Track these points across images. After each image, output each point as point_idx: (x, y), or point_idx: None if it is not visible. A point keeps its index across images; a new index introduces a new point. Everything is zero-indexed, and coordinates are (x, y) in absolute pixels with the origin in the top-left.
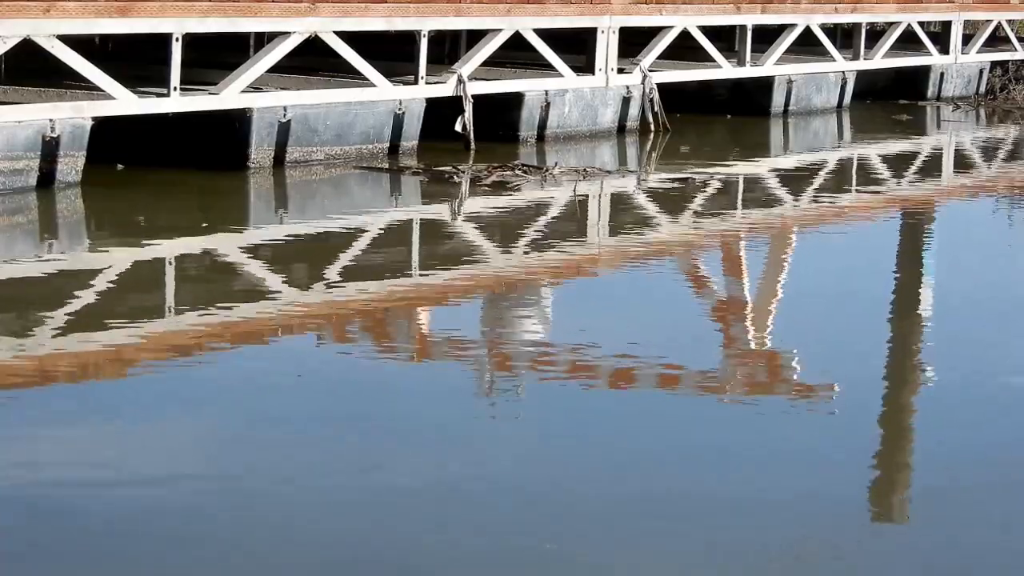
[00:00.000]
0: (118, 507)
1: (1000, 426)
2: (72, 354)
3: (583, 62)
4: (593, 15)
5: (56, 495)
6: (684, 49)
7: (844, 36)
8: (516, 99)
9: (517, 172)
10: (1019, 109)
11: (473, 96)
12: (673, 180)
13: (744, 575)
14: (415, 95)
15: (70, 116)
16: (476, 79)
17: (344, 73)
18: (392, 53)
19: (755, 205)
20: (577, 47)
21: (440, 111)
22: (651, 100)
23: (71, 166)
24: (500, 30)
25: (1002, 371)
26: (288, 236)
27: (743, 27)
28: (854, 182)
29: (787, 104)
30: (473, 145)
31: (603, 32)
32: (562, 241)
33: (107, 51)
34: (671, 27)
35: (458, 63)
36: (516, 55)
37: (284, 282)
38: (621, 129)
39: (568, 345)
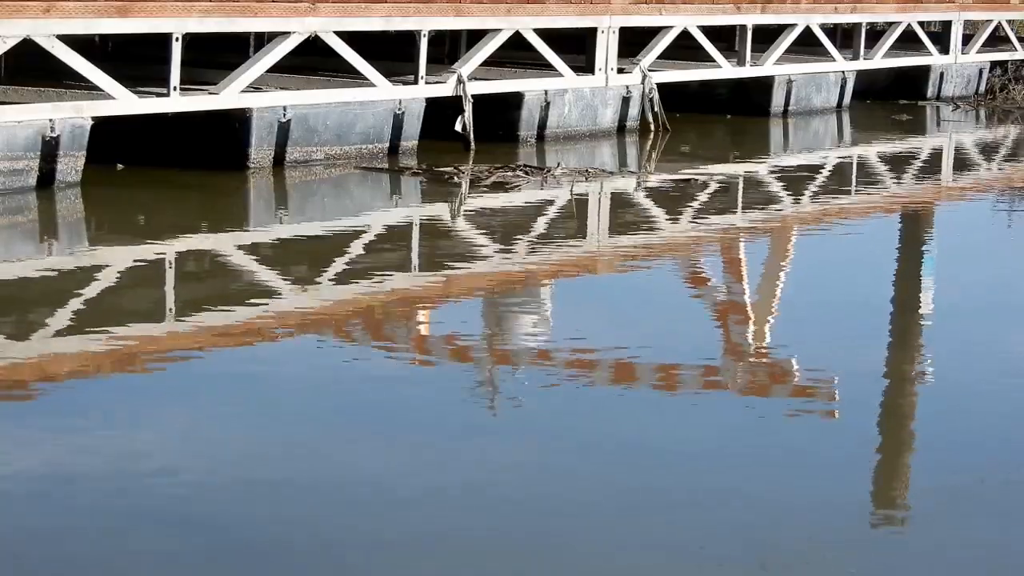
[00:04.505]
0: (115, 505)
1: (1000, 425)
2: (71, 354)
3: (583, 62)
4: (593, 15)
5: (57, 493)
6: (684, 49)
7: (844, 36)
8: (516, 99)
9: (518, 173)
10: (1019, 109)
11: (473, 96)
12: (673, 180)
13: (744, 574)
14: (415, 95)
15: (70, 116)
16: (476, 79)
17: (344, 73)
18: (392, 53)
19: (755, 205)
20: (577, 47)
21: (440, 111)
22: (651, 100)
23: (71, 166)
24: (500, 30)
25: (1002, 370)
26: (288, 236)
27: (743, 27)
28: (854, 182)
29: (787, 104)
30: (473, 145)
31: (603, 32)
32: (562, 241)
33: (107, 51)
34: (671, 27)
35: (458, 63)
36: (516, 55)
37: (284, 282)
38: (621, 129)
39: (568, 345)
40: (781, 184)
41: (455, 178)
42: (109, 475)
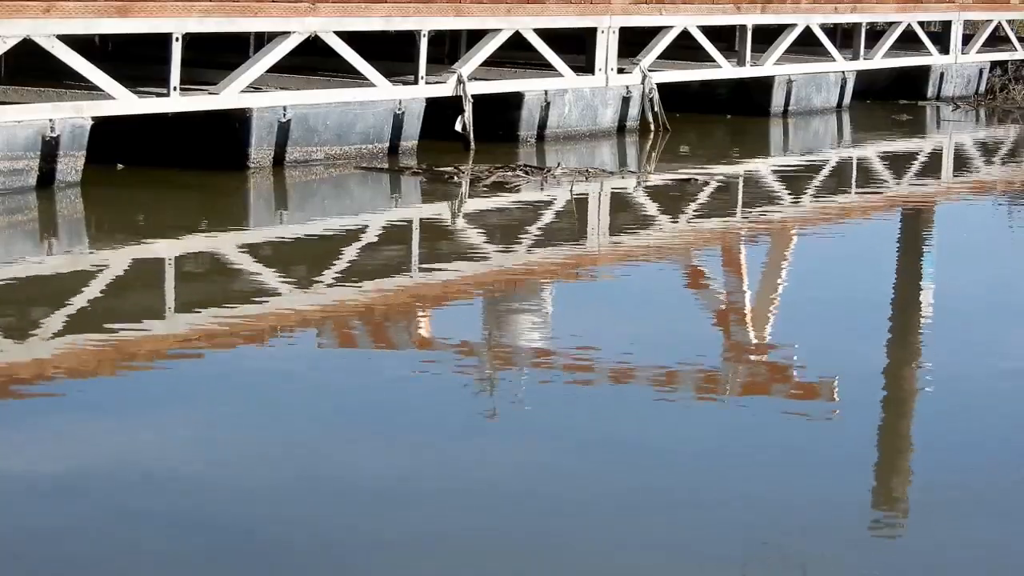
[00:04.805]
0: (115, 505)
1: (1000, 425)
2: (71, 354)
3: (583, 62)
4: (593, 15)
5: (57, 493)
6: (684, 49)
7: (844, 36)
8: (516, 99)
9: (518, 173)
10: (1019, 109)
11: (473, 96)
12: (673, 180)
13: (744, 574)
14: (415, 95)
15: (70, 116)
16: (476, 79)
17: (344, 73)
18: (392, 53)
19: (755, 205)
20: (577, 47)
21: (440, 111)
22: (651, 100)
23: (71, 166)
24: (500, 30)
25: (1002, 370)
26: (288, 236)
27: (743, 27)
28: (854, 182)
29: (787, 104)
30: (473, 145)
31: (603, 32)
32: (562, 241)
33: (107, 51)
34: (671, 27)
35: (458, 63)
36: (516, 55)
37: (284, 282)
38: (621, 129)
39: (568, 345)
40: (781, 184)
41: (455, 178)
42: (109, 474)
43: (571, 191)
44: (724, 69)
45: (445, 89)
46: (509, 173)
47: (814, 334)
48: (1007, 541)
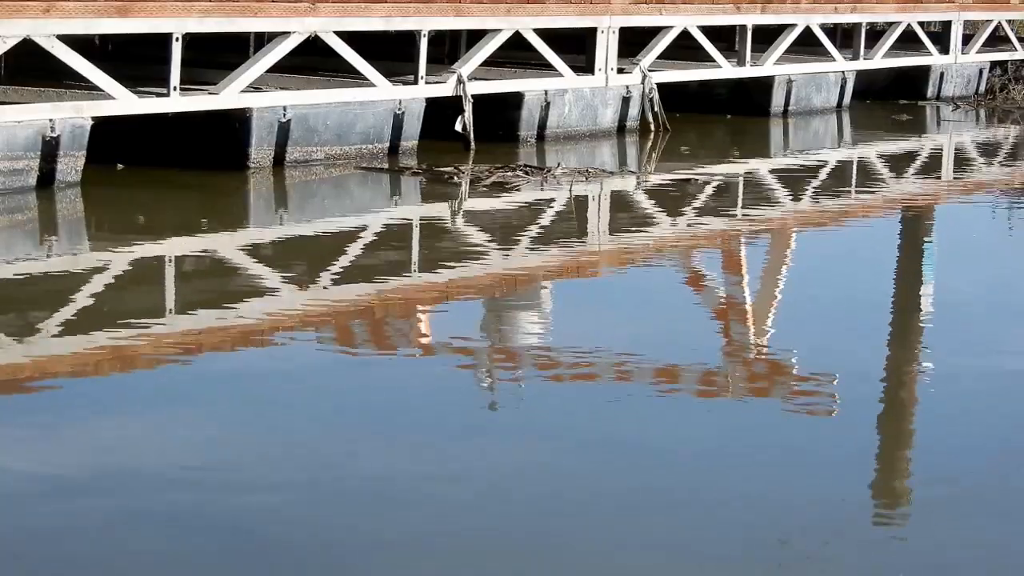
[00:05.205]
0: (115, 505)
1: (1000, 425)
2: (71, 354)
3: (583, 62)
4: (593, 15)
5: (57, 493)
6: (684, 49)
7: (844, 36)
8: (516, 99)
9: (518, 173)
10: (1019, 109)
11: (473, 96)
12: (673, 180)
13: (744, 574)
14: (415, 95)
15: (70, 116)
16: (476, 79)
17: (344, 73)
18: (392, 53)
19: (755, 205)
20: (577, 47)
21: (440, 111)
22: (651, 100)
23: (71, 166)
24: (500, 30)
25: (1002, 370)
26: (288, 236)
27: (743, 27)
28: (854, 182)
29: (787, 104)
30: (473, 145)
31: (603, 32)
32: (562, 241)
33: (107, 51)
34: (671, 27)
35: (458, 63)
36: (516, 55)
37: (284, 282)
38: (621, 129)
39: (568, 345)
40: (781, 184)
41: (455, 178)
42: (109, 474)
43: (571, 191)
44: (724, 69)
45: (445, 89)
46: (509, 173)
47: (814, 334)
48: (1007, 541)
